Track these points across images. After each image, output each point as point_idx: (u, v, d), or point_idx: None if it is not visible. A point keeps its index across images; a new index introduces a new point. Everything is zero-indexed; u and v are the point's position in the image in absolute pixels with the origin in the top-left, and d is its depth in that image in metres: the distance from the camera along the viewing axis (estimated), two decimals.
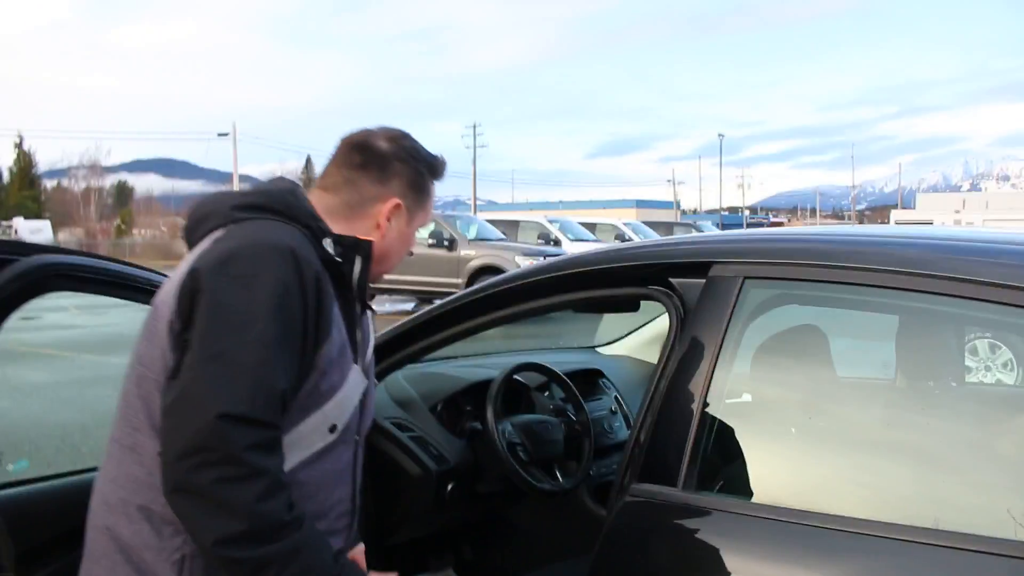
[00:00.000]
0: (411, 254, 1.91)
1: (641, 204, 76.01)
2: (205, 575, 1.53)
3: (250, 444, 1.41)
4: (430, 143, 1.82)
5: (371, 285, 1.81)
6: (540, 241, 20.73)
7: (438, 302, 2.60)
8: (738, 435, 1.92)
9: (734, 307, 1.86)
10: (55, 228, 57.13)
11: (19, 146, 59.47)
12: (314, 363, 1.56)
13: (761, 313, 1.95)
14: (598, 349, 4.27)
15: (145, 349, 1.58)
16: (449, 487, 2.83)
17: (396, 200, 1.76)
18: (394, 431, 2.85)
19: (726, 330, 1.85)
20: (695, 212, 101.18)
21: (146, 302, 2.31)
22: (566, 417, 3.06)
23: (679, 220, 41.31)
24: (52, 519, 1.61)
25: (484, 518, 3.38)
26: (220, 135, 51.10)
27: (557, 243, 21.07)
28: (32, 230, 53.48)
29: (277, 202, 1.64)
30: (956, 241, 1.88)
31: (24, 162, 58.96)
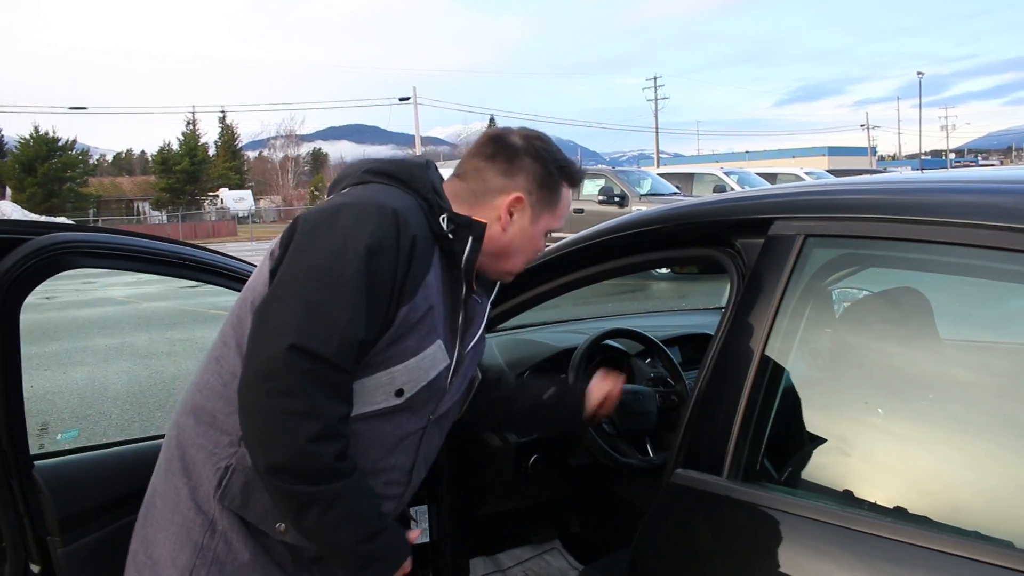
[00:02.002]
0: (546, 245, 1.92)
1: (833, 152, 72.20)
2: (242, 491, 1.62)
3: (317, 380, 1.47)
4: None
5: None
6: (716, 193, 20.01)
7: None
8: (799, 419, 1.65)
9: (792, 270, 1.61)
10: (256, 196, 60.61)
11: (222, 120, 63.25)
12: (391, 322, 1.58)
13: (827, 276, 1.68)
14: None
15: (253, 277, 1.72)
16: (532, 459, 2.70)
17: (518, 193, 1.77)
18: None
19: (783, 295, 1.60)
20: (893, 158, 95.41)
21: (174, 275, 2.31)
22: (664, 387, 2.85)
23: (871, 167, 38.86)
24: (96, 487, 1.63)
25: (589, 491, 3.23)
26: (401, 99, 52.43)
27: None
28: (236, 199, 57.14)
29: (403, 172, 1.71)
30: None
31: (227, 135, 62.75)
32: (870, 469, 1.64)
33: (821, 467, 1.68)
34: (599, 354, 2.89)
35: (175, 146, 60.79)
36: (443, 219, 1.67)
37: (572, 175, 1.84)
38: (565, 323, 3.53)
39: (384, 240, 1.54)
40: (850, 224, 1.59)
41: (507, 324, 2.81)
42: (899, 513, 1.47)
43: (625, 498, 3.24)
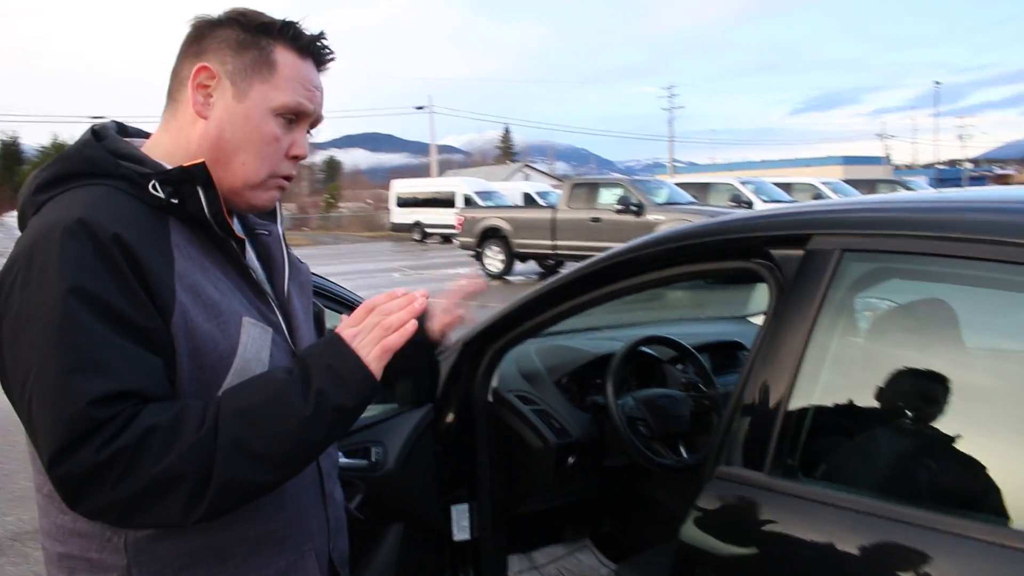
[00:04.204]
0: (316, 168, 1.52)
1: (848, 161, 72.04)
2: None
3: (99, 446, 1.17)
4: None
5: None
6: (732, 203, 20.09)
7: (550, 279, 2.58)
8: (836, 419, 1.79)
9: (830, 281, 1.73)
10: None
11: None
12: (166, 343, 1.27)
13: (861, 288, 1.80)
14: (749, 318, 4.12)
15: None
16: (571, 460, 2.83)
17: (201, 63, 1.39)
18: (517, 404, 2.87)
19: (821, 305, 1.72)
20: (909, 167, 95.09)
21: None
22: (696, 391, 2.98)
23: (887, 177, 38.84)
24: None
25: (620, 491, 3.36)
26: (417, 108, 52.76)
27: (749, 205, 20.37)
28: None
29: (76, 163, 1.36)
30: None
31: None
32: (898, 466, 1.78)
33: (854, 463, 1.81)
34: (634, 360, 3.02)
35: None
36: (153, 187, 1.33)
37: (286, 32, 1.41)
38: (597, 330, 3.66)
39: (82, 260, 1.21)
40: (884, 240, 1.71)
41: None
42: (925, 502, 1.62)
43: (655, 498, 3.37)
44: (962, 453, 1.67)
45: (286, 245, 1.60)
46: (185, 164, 1.35)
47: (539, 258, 19.20)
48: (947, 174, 76.46)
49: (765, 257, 1.93)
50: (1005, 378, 1.83)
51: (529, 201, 32.59)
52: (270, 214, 1.59)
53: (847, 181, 27.45)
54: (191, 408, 1.25)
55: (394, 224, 37.59)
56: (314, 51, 1.45)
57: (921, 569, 1.45)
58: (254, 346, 1.38)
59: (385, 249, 32.06)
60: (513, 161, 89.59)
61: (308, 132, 1.49)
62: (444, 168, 70.56)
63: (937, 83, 74.79)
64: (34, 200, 1.36)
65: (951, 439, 1.71)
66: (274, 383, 1.29)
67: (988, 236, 1.54)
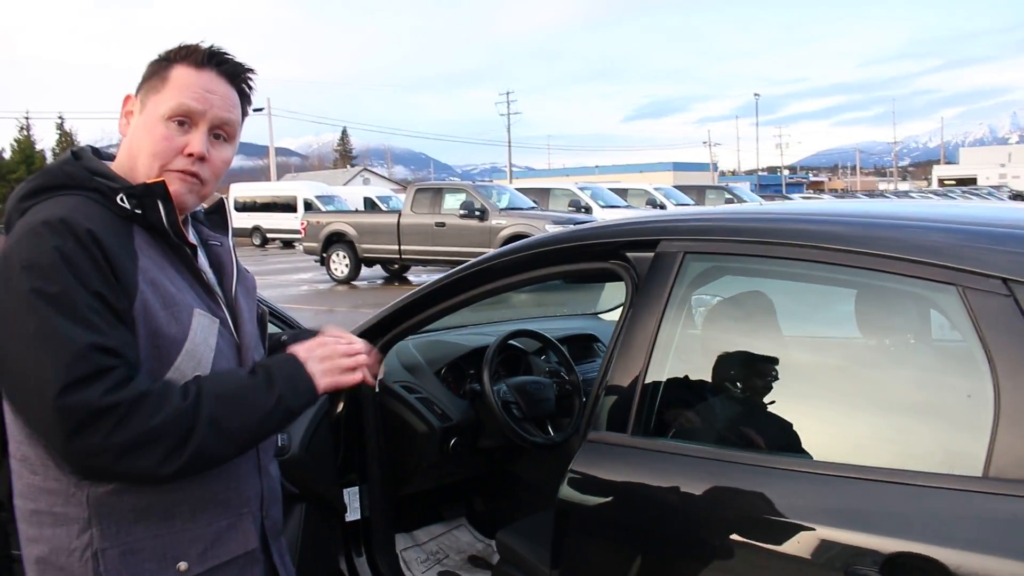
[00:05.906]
0: (194, 157, 1.67)
1: (678, 167, 75.72)
2: (122, 564, 1.57)
3: (103, 392, 1.42)
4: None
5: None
6: (571, 208, 20.91)
7: (431, 279, 2.91)
8: (682, 389, 2.21)
9: (675, 278, 2.14)
10: None
11: (60, 127, 60.24)
12: (132, 322, 1.53)
13: (700, 283, 2.23)
14: (600, 315, 4.58)
15: None
16: (452, 442, 3.18)
17: (128, 94, 1.73)
18: (403, 393, 3.19)
19: (668, 298, 2.13)
20: (733, 173, 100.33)
21: None
22: (559, 378, 3.39)
23: (714, 183, 41.12)
24: None
25: (491, 472, 3.72)
26: (255, 110, 51.68)
27: (588, 210, 21.26)
28: None
29: (57, 177, 1.62)
30: (879, 218, 2.14)
31: (66, 143, 60.02)
32: (729, 423, 2.23)
33: (696, 423, 2.24)
34: (504, 351, 3.40)
35: (6, 154, 57.66)
36: (120, 199, 1.59)
37: (182, 51, 1.69)
38: (465, 327, 4.01)
39: (64, 249, 1.46)
40: (717, 243, 2.15)
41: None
42: (752, 448, 2.09)
43: (521, 476, 3.75)
44: (775, 411, 2.13)
45: (235, 255, 1.88)
46: (147, 181, 1.63)
47: (384, 263, 19.42)
48: (768, 180, 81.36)
49: (622, 259, 2.33)
50: (809, 353, 2.32)
51: (370, 205, 32.66)
52: (222, 228, 1.89)
53: (677, 187, 28.98)
54: (174, 383, 1.55)
55: (233, 229, 36.75)
56: (215, 62, 1.70)
57: (747, 497, 1.87)
58: (203, 333, 1.64)
59: None
60: (352, 165, 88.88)
61: (220, 138, 1.72)
62: (282, 172, 69.23)
63: (757, 95, 79.53)
64: (19, 206, 1.60)
65: (768, 402, 2.16)
66: (246, 379, 1.62)
67: (796, 241, 1.99)
